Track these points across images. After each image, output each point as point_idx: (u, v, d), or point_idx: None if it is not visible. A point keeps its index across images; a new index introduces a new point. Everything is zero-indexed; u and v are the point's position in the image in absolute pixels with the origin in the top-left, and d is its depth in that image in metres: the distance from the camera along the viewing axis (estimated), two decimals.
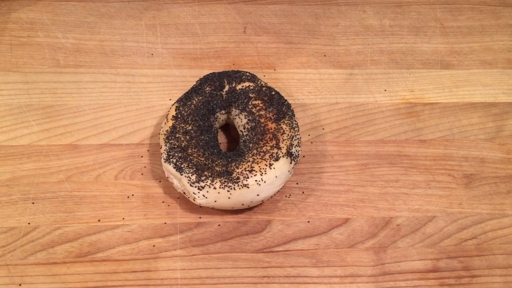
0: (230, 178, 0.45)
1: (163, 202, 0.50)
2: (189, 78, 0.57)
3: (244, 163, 0.46)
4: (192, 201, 0.47)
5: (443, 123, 0.57)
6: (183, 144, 0.47)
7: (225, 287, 0.47)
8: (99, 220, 0.49)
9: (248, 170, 0.45)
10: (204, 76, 0.52)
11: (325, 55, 0.60)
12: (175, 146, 0.47)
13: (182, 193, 0.48)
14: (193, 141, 0.47)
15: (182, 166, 0.46)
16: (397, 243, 0.50)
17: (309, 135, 0.55)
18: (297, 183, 0.52)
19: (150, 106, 0.55)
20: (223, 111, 0.51)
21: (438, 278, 0.49)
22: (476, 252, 0.50)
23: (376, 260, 0.49)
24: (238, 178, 0.45)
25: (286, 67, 0.59)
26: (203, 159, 0.46)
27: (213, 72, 0.53)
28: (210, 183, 0.45)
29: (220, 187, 0.45)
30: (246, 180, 0.45)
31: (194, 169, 0.45)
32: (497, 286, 0.48)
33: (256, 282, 0.47)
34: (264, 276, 0.48)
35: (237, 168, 0.46)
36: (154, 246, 0.48)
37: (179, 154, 0.46)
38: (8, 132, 0.52)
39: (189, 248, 0.48)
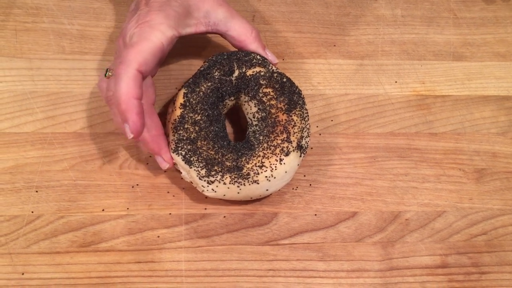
0: (240, 174, 0.44)
1: (168, 192, 0.50)
2: (196, 66, 0.56)
3: (255, 158, 0.45)
4: (200, 191, 0.46)
5: (455, 116, 0.56)
6: (192, 135, 0.45)
7: (230, 279, 0.46)
8: (103, 210, 0.48)
9: (259, 166, 0.44)
10: (212, 56, 0.50)
11: (335, 45, 0.59)
12: (184, 138, 0.45)
13: (189, 182, 0.47)
14: (202, 133, 0.45)
15: (192, 159, 0.45)
16: (405, 238, 0.49)
17: (317, 126, 0.54)
18: (304, 175, 0.51)
19: (156, 95, 0.54)
20: (232, 98, 0.50)
21: (446, 274, 0.48)
22: (486, 248, 0.49)
23: (384, 255, 0.48)
24: (249, 174, 0.44)
25: (295, 56, 0.58)
26: (212, 152, 0.45)
27: (222, 53, 0.50)
28: (220, 178, 0.44)
29: (230, 183, 0.44)
30: (256, 176, 0.44)
31: (204, 163, 0.44)
32: (507, 283, 0.48)
33: (261, 275, 0.47)
34: (269, 269, 0.47)
35: (247, 163, 0.45)
36: (158, 237, 0.47)
37: (188, 147, 0.45)
38: (12, 119, 0.52)
39: (194, 240, 0.48)
